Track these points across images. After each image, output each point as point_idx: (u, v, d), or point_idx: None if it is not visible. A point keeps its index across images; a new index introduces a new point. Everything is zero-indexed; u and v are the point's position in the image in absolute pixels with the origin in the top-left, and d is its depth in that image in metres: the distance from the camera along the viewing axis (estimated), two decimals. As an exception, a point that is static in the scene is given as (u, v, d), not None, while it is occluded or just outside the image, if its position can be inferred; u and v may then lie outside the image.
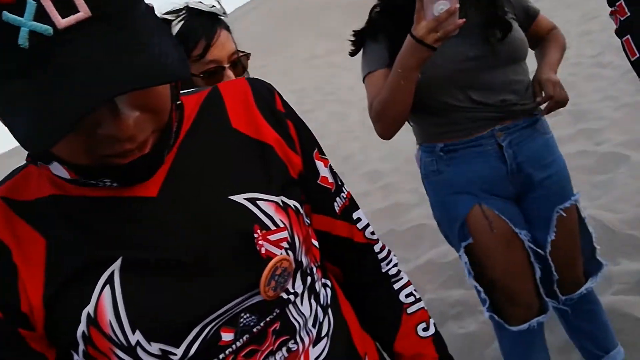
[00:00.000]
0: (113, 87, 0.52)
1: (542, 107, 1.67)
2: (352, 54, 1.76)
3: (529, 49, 1.72)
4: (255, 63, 1.46)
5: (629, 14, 1.31)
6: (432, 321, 0.98)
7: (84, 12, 0.54)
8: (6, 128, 0.58)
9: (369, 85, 1.68)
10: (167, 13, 1.31)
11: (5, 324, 0.68)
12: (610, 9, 1.37)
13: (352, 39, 1.72)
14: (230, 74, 1.30)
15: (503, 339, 1.84)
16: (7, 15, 0.52)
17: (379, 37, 1.66)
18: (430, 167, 1.75)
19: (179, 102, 0.74)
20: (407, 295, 0.98)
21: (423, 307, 0.98)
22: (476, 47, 1.58)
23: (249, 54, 1.36)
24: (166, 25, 0.59)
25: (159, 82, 0.55)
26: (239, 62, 1.34)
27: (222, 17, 1.33)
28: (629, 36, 1.32)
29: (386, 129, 1.66)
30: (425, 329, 0.97)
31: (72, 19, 0.53)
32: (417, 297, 0.99)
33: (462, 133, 1.65)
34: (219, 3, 1.33)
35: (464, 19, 1.40)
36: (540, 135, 1.69)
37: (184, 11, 1.29)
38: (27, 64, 0.54)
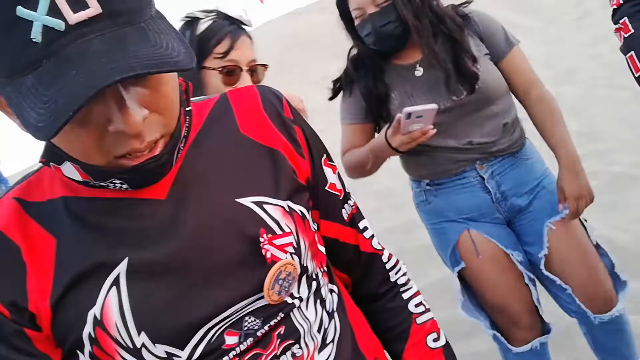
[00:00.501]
0: (116, 73, 0.54)
1: (565, 212, 1.69)
2: (330, 99, 1.84)
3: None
4: (267, 82, 1.50)
5: (632, 30, 1.33)
6: (442, 332, 0.96)
7: (94, 8, 0.56)
8: (32, 140, 0.58)
9: (344, 135, 1.81)
10: (199, 11, 1.38)
11: (12, 323, 0.68)
12: (614, 27, 1.39)
13: (331, 86, 1.80)
14: (246, 77, 1.35)
15: (508, 359, 1.84)
16: (22, 10, 0.54)
17: (354, 89, 1.74)
18: (420, 197, 1.82)
19: (188, 109, 0.75)
20: (416, 305, 0.97)
21: (433, 318, 0.97)
22: (446, 100, 1.62)
23: (267, 65, 1.41)
24: (175, 29, 0.62)
25: (163, 70, 0.57)
26: (257, 70, 1.38)
27: (246, 27, 1.39)
28: (632, 52, 1.33)
29: (353, 177, 1.82)
30: (436, 340, 0.95)
31: (83, 14, 0.55)
32: (427, 307, 0.98)
33: (445, 173, 1.71)
34: (246, 14, 1.39)
35: (435, 130, 1.50)
36: (522, 162, 1.73)
37: (214, 13, 1.37)
38: (38, 58, 0.55)
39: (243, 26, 1.39)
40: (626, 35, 1.35)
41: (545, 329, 1.77)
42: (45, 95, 0.55)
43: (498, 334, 1.78)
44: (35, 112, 0.55)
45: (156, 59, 0.56)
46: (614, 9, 1.37)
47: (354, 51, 1.75)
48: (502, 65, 1.71)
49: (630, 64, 1.35)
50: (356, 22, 1.66)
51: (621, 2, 1.35)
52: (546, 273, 1.73)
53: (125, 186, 0.70)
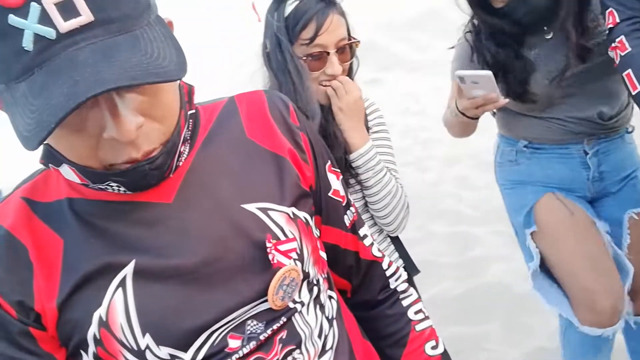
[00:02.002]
0: (99, 85, 0.53)
1: None
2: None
3: None
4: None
5: (629, 49, 1.33)
6: (441, 340, 0.97)
7: (86, 16, 0.55)
8: None
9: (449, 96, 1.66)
10: None
11: (18, 323, 0.69)
12: (611, 46, 1.39)
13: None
14: (334, 60, 1.30)
15: (570, 337, 1.74)
16: (13, 19, 0.54)
17: (473, 56, 1.64)
18: (508, 156, 1.74)
19: (192, 112, 0.75)
20: (416, 312, 0.97)
21: (432, 325, 0.97)
22: (570, 61, 1.54)
23: (359, 41, 1.36)
24: (173, 36, 0.61)
25: (147, 82, 0.56)
26: (347, 48, 1.33)
27: (337, 2, 1.32)
28: (630, 70, 1.34)
29: (455, 136, 1.74)
30: (434, 347, 0.96)
31: (74, 23, 0.55)
32: (426, 314, 0.98)
33: (552, 140, 1.63)
34: None
35: (507, 100, 1.43)
36: (627, 145, 1.67)
37: None
38: (30, 67, 0.55)
39: (333, 1, 1.32)
40: (622, 54, 1.35)
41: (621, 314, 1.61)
42: (34, 104, 0.55)
43: (570, 312, 1.62)
44: (24, 121, 0.55)
45: (142, 69, 0.56)
46: (610, 27, 1.38)
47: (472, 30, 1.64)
48: None
49: (628, 82, 1.35)
50: (500, 4, 1.53)
51: (617, 20, 1.36)
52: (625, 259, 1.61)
53: (122, 189, 0.69)
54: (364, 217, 1.46)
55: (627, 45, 1.35)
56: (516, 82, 1.57)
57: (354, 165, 1.39)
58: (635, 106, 1.58)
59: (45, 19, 0.54)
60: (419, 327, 0.96)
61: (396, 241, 1.55)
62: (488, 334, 2.60)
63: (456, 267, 3.29)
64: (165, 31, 0.63)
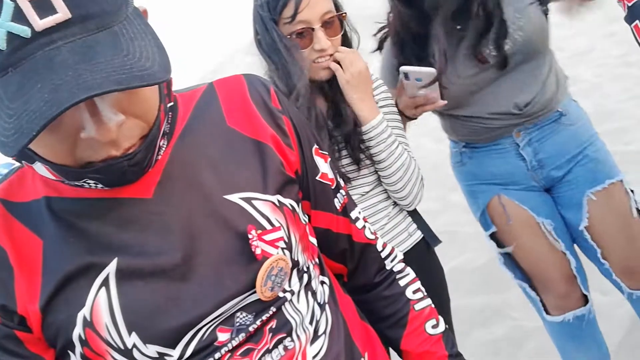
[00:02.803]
0: (82, 90, 0.51)
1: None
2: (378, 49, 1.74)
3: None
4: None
5: None
6: (441, 318, 0.96)
7: (63, 13, 0.53)
8: None
9: None
10: None
11: (2, 327, 0.68)
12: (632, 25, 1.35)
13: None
14: (320, 34, 1.28)
15: (549, 331, 1.81)
16: None
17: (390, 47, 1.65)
18: (456, 157, 1.79)
19: (171, 104, 0.73)
20: (414, 292, 0.96)
21: (431, 304, 0.96)
22: (486, 56, 1.54)
23: (345, 13, 1.34)
24: (152, 30, 0.59)
25: (132, 86, 0.54)
26: (334, 22, 1.31)
27: None
28: (638, 21, 1.30)
29: None
30: (435, 326, 0.95)
31: (50, 20, 0.52)
32: (425, 293, 0.97)
33: (482, 139, 1.66)
34: None
35: (445, 102, 1.45)
36: (565, 127, 1.64)
37: None
38: (4, 66, 0.53)
39: None
40: (630, 4, 1.32)
41: (584, 301, 1.71)
42: (10, 108, 0.52)
43: (537, 300, 1.75)
44: (0, 125, 0.53)
45: (125, 72, 0.53)
46: None
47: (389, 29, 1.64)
48: None
49: (636, 33, 1.32)
50: None
51: None
52: (588, 242, 1.66)
53: (100, 186, 0.67)
54: (377, 190, 1.45)
55: None
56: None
57: (365, 138, 1.37)
58: (562, 88, 1.63)
59: (19, 16, 0.52)
60: (418, 307, 0.95)
61: (414, 214, 1.54)
62: (512, 302, 2.60)
63: (477, 236, 3.26)
64: (144, 26, 0.60)
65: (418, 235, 1.51)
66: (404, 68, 1.44)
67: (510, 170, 1.67)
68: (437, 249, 1.58)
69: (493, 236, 1.75)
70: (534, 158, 1.64)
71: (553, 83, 1.63)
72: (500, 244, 1.74)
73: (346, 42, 1.38)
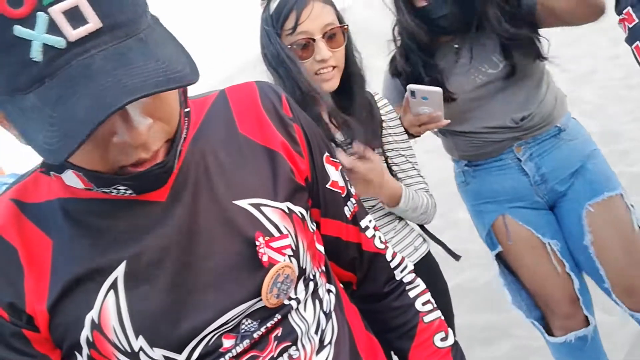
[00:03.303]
0: (125, 94, 0.52)
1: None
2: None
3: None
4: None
5: (637, 20, 1.31)
6: (450, 331, 0.95)
7: (94, 23, 0.54)
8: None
9: None
10: None
11: (10, 325, 0.69)
12: (619, 18, 1.37)
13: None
14: (321, 45, 1.29)
15: (551, 350, 1.81)
16: (20, 30, 0.52)
17: (397, 76, 1.69)
18: (460, 178, 1.81)
19: (187, 110, 0.74)
20: (423, 303, 0.95)
21: (440, 317, 0.95)
22: (481, 73, 1.58)
23: (346, 25, 1.35)
24: (172, 35, 0.63)
25: (170, 88, 0.56)
26: (336, 34, 1.32)
27: None
28: (638, 42, 1.32)
29: None
30: (444, 339, 0.93)
31: (83, 30, 0.54)
32: (434, 306, 0.96)
33: (483, 154, 1.68)
34: None
35: (448, 121, 1.47)
36: (565, 142, 1.65)
37: None
38: (40, 77, 0.54)
39: None
40: (630, 26, 1.33)
41: (587, 322, 1.69)
42: (52, 117, 0.54)
43: (536, 323, 1.75)
44: (42, 134, 0.54)
45: (162, 76, 0.55)
46: None
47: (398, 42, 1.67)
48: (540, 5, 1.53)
49: (636, 54, 1.33)
50: (423, 3, 1.55)
51: None
52: (591, 259, 1.64)
53: (129, 192, 0.69)
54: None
55: (634, 16, 1.33)
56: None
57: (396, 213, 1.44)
58: (560, 104, 1.66)
59: (53, 28, 0.53)
60: (427, 319, 0.94)
61: (426, 231, 1.58)
62: (517, 320, 2.57)
63: (481, 254, 3.26)
64: (165, 31, 0.63)
65: (424, 249, 1.52)
66: (411, 86, 1.46)
67: (514, 185, 1.67)
68: (440, 266, 1.59)
69: (498, 256, 1.75)
70: (536, 173, 1.65)
71: (551, 99, 1.65)
72: (505, 265, 1.75)
73: (348, 56, 1.39)
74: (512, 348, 2.43)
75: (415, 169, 1.50)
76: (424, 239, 1.55)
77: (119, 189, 0.68)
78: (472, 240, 3.43)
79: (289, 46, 1.29)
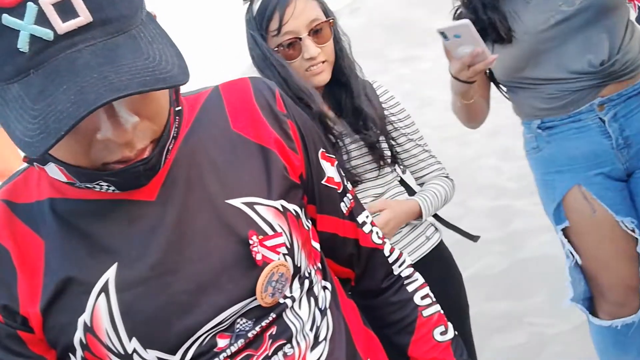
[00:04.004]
0: (110, 92, 0.52)
1: None
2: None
3: None
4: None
5: None
6: (450, 325, 0.94)
7: (84, 17, 0.53)
8: None
9: (450, 82, 1.59)
10: None
11: (5, 327, 0.68)
12: None
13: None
14: (308, 43, 1.29)
15: (592, 330, 1.71)
16: (8, 19, 0.52)
17: None
18: (530, 143, 1.66)
19: (178, 108, 0.73)
20: (422, 297, 0.94)
21: (440, 311, 0.95)
22: (556, 11, 1.47)
23: (332, 19, 1.35)
24: (166, 34, 0.62)
25: (157, 88, 0.55)
26: (322, 29, 1.32)
27: None
28: None
29: (466, 125, 1.70)
30: (444, 333, 0.93)
31: (72, 24, 0.53)
32: (434, 299, 0.95)
33: (559, 107, 1.54)
34: None
35: (496, 55, 1.37)
36: None
37: None
38: (25, 68, 0.53)
39: None
40: None
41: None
42: (34, 109, 0.53)
43: (579, 305, 1.65)
44: (23, 126, 0.53)
45: (149, 75, 0.54)
46: None
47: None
48: None
49: None
50: None
51: None
52: None
53: (112, 189, 0.67)
54: (391, 192, 1.47)
55: None
56: (503, 29, 1.50)
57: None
58: None
59: (42, 19, 0.52)
60: (426, 313, 0.93)
61: (440, 219, 1.57)
62: (533, 308, 2.58)
63: (499, 241, 3.25)
64: (159, 29, 0.61)
65: (436, 238, 1.52)
66: (439, 28, 1.36)
67: (594, 150, 1.53)
68: (456, 255, 1.58)
69: (565, 232, 1.62)
70: (620, 135, 1.51)
71: (636, 44, 1.51)
72: (570, 241, 1.62)
73: (338, 47, 1.37)
74: (529, 336, 2.42)
75: (427, 151, 1.49)
76: (436, 228, 1.55)
77: (101, 185, 0.67)
78: (489, 228, 3.43)
79: (276, 48, 1.30)
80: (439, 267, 1.45)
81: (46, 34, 0.53)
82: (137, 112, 0.61)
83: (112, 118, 0.59)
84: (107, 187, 0.67)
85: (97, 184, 0.66)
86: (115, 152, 0.61)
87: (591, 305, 1.65)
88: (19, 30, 0.52)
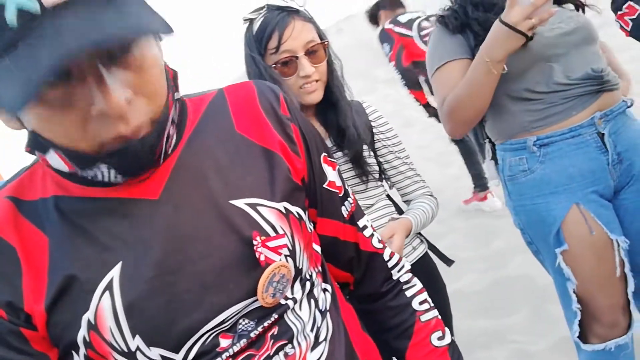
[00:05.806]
0: (88, 43, 0.52)
1: None
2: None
3: None
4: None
5: None
6: (447, 330, 0.95)
7: None
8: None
9: (442, 79, 1.58)
10: (251, 13, 1.40)
11: (8, 324, 0.68)
12: (617, 14, 1.35)
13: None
14: (304, 62, 1.35)
15: (579, 354, 1.68)
16: None
17: (465, 29, 1.57)
18: (519, 166, 1.59)
19: (178, 98, 0.74)
20: (420, 303, 0.95)
21: (437, 316, 0.96)
22: (558, 26, 1.51)
23: (327, 41, 1.40)
24: (148, 5, 0.64)
25: (137, 34, 0.56)
26: (317, 50, 1.37)
27: (299, 9, 1.38)
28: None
29: (458, 128, 1.60)
30: (441, 338, 0.94)
31: None
32: (432, 305, 0.96)
33: (559, 117, 1.53)
34: None
35: (557, 9, 1.34)
36: (631, 121, 1.57)
37: (264, 9, 1.38)
38: (14, 41, 0.54)
39: (294, 9, 1.37)
40: (634, 17, 1.31)
41: (629, 328, 1.59)
42: (20, 77, 0.53)
43: (574, 337, 1.62)
44: (7, 92, 0.54)
45: (130, 27, 0.56)
46: None
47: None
48: None
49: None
50: None
51: None
52: None
53: (113, 173, 0.67)
54: (380, 204, 1.51)
55: (636, 7, 1.30)
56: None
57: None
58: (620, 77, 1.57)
59: None
60: (424, 318, 0.94)
61: (421, 236, 1.60)
62: (514, 326, 2.61)
63: (479, 260, 3.29)
64: (142, 2, 0.63)
65: (422, 249, 1.56)
66: None
67: (591, 167, 1.52)
68: (439, 271, 1.61)
69: (564, 255, 1.57)
70: (614, 150, 1.52)
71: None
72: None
73: (330, 69, 1.44)
74: (511, 352, 2.45)
75: (413, 169, 1.55)
76: (422, 240, 1.59)
77: (102, 170, 0.66)
78: (470, 247, 3.47)
79: (273, 65, 1.35)
80: (424, 278, 1.46)
81: (34, 7, 0.54)
82: (132, 88, 0.62)
83: (104, 90, 0.59)
84: (107, 172, 0.67)
85: (97, 169, 0.66)
86: (111, 128, 0.61)
87: (580, 332, 1.62)
88: (4, 4, 0.53)
